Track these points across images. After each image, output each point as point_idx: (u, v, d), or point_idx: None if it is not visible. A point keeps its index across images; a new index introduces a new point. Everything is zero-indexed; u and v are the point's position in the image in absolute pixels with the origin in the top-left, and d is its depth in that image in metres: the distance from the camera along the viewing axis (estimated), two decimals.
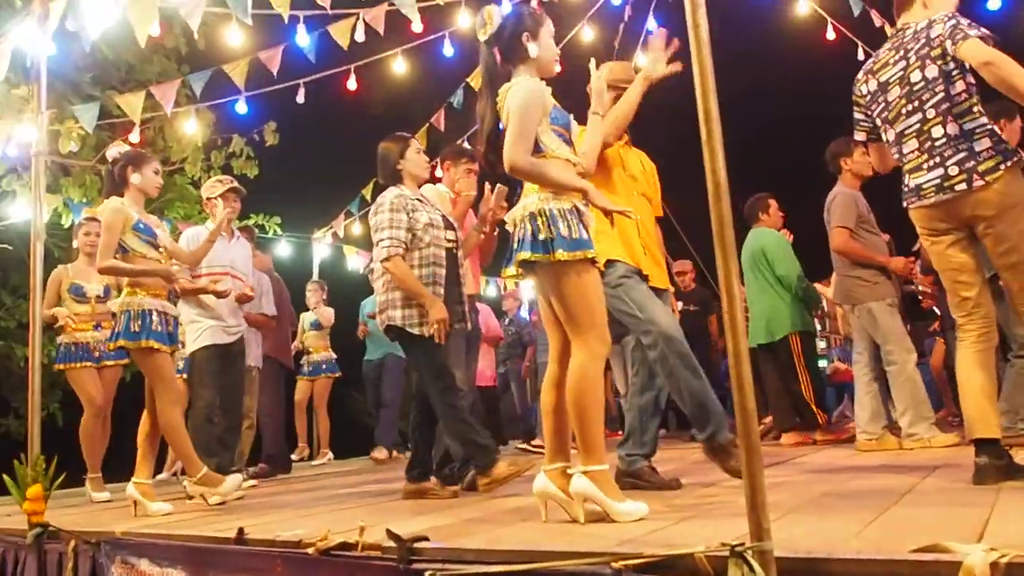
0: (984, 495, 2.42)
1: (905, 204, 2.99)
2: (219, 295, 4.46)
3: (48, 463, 3.51)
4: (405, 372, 7.58)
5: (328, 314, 7.85)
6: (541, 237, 2.43)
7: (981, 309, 2.86)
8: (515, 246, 2.52)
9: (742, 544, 1.58)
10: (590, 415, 2.41)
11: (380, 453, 7.09)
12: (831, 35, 6.68)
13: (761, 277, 5.55)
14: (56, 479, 3.53)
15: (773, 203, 5.76)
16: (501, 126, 2.59)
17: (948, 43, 2.80)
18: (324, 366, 7.70)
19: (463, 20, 5.71)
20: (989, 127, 2.80)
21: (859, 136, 3.24)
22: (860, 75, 3.18)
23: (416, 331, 3.52)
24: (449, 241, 3.73)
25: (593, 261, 2.49)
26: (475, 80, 6.59)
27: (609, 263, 3.20)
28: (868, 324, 4.63)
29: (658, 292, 3.41)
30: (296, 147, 8.28)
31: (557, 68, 2.68)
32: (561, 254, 2.41)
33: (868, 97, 3.13)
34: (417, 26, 4.99)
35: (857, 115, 3.22)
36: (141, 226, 3.86)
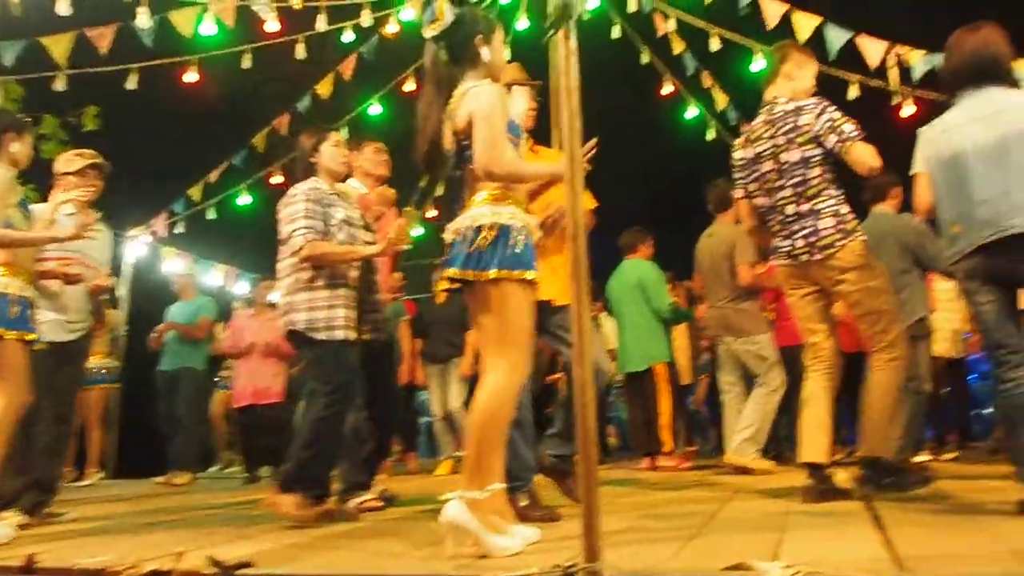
0: (776, 519, 2.72)
1: (774, 262, 3.44)
2: (69, 280, 3.85)
3: None
4: (200, 389, 7.06)
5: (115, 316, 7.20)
6: (477, 253, 2.33)
7: (824, 349, 3.33)
8: (449, 257, 2.42)
9: (574, 565, 1.64)
10: (494, 438, 2.30)
11: (180, 478, 6.57)
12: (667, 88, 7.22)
13: (637, 308, 5.81)
14: None
15: (651, 239, 6.05)
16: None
17: (831, 138, 3.17)
18: (99, 374, 6.98)
19: (320, 25, 5.55)
20: (835, 208, 3.22)
21: (737, 193, 3.59)
22: (739, 141, 3.55)
23: (322, 336, 3.30)
24: (366, 243, 3.53)
25: (530, 283, 2.38)
26: (323, 88, 6.44)
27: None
28: (750, 355, 4.96)
29: (559, 308, 3.29)
30: (118, 137, 7.65)
31: (503, 78, 2.63)
32: (495, 272, 2.31)
33: (743, 162, 3.48)
34: (272, 26, 4.78)
35: (736, 175, 3.57)
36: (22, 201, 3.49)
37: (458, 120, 2.45)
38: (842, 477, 3.31)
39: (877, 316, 3.22)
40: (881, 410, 3.22)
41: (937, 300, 5.86)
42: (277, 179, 7.43)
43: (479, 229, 2.35)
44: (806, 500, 3.13)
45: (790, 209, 3.28)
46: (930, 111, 6.45)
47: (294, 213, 3.39)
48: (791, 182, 3.27)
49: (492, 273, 2.31)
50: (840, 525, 2.54)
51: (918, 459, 4.99)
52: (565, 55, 1.67)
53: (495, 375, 2.34)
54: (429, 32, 2.54)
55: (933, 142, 2.85)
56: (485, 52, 2.51)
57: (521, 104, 3.24)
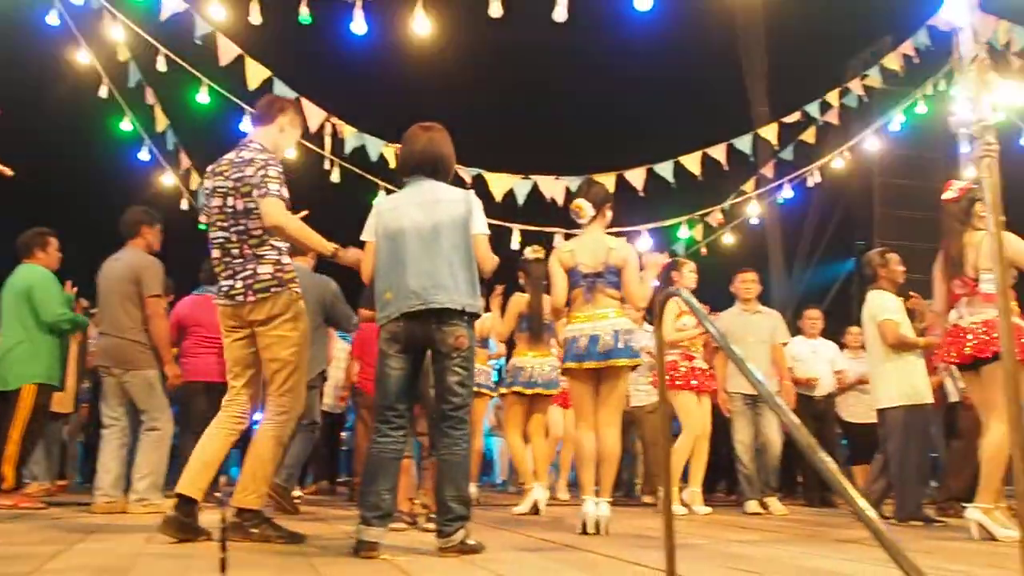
0: (125, 560, 2.64)
1: (215, 301, 3.39)
2: None
3: None
4: None
5: None
6: None
7: (242, 396, 3.35)
8: None
9: None
10: None
11: None
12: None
13: (20, 318, 5.01)
14: None
15: (54, 241, 5.25)
16: None
17: (255, 191, 3.24)
18: None
19: None
20: (276, 257, 3.32)
21: (203, 219, 3.50)
22: (208, 169, 3.46)
23: None
24: None
25: None
26: None
27: None
28: (141, 390, 4.69)
29: None
30: None
31: None
32: None
33: (206, 192, 3.43)
34: None
35: (202, 202, 3.48)
36: None
37: None
38: (210, 520, 3.27)
39: (284, 366, 3.31)
40: (255, 466, 3.27)
41: (335, 357, 6.51)
42: None
43: None
44: (165, 531, 3.07)
45: (235, 251, 3.33)
46: (356, 181, 7.28)
47: None
48: (235, 229, 3.32)
49: None
50: (185, 570, 2.51)
51: (296, 493, 5.41)
52: None
53: None
54: None
55: (383, 215, 3.18)
56: None
57: None
